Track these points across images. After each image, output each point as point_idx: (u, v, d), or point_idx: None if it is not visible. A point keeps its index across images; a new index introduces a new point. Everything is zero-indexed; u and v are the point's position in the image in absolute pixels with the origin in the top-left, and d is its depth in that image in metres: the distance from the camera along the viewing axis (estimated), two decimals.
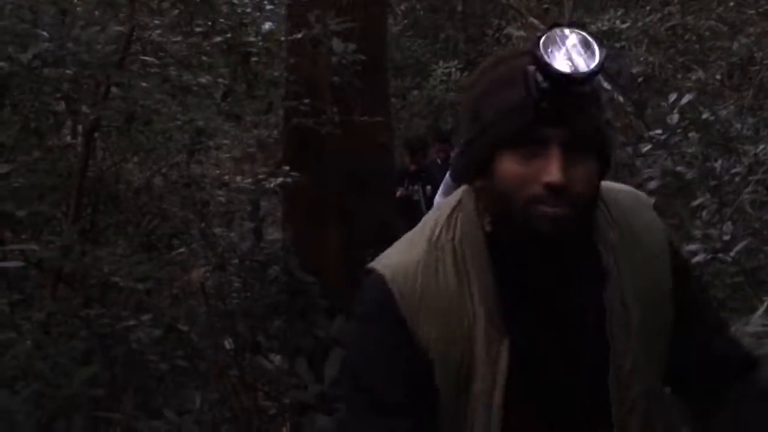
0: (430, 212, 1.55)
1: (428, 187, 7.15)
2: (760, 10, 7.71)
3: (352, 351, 1.47)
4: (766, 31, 7.42)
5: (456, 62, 11.79)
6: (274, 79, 5.06)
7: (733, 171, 4.67)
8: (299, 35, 4.62)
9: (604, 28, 7.92)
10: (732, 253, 4.36)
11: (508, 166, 1.32)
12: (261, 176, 4.96)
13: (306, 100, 4.81)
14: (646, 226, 1.49)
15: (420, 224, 1.50)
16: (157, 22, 4.82)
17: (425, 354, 1.37)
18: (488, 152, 1.34)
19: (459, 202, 1.46)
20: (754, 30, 7.66)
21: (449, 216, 1.45)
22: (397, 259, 1.44)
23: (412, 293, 1.39)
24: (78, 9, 4.90)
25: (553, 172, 1.29)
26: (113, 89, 4.38)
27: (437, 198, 3.59)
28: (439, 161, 7.66)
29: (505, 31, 11.61)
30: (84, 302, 4.38)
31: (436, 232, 1.44)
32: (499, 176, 1.33)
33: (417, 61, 12.54)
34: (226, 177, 5.73)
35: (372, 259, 1.47)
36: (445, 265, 1.40)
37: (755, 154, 4.61)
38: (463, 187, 1.47)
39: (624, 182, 1.78)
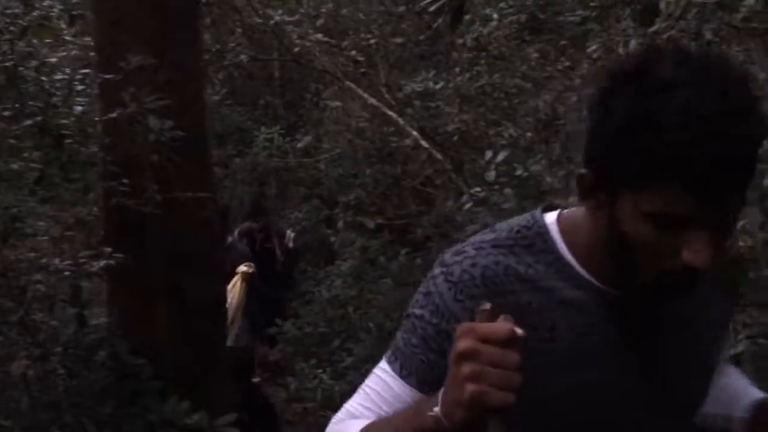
0: None
1: None
2: (560, 67, 8.16)
3: None
4: (567, 86, 7.82)
5: (278, 127, 11.85)
6: (90, 160, 4.92)
7: None
8: (114, 114, 4.52)
9: (419, 89, 8.17)
10: None
11: None
12: (82, 259, 4.78)
13: (125, 180, 4.71)
14: None
15: None
16: None
17: None
18: None
19: None
20: (556, 86, 8.07)
21: None
22: None
23: None
24: None
25: None
26: None
27: None
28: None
29: (323, 95, 11.79)
30: None
31: None
32: None
33: (238, 129, 12.52)
34: (44, 260, 5.49)
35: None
36: None
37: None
38: None
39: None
